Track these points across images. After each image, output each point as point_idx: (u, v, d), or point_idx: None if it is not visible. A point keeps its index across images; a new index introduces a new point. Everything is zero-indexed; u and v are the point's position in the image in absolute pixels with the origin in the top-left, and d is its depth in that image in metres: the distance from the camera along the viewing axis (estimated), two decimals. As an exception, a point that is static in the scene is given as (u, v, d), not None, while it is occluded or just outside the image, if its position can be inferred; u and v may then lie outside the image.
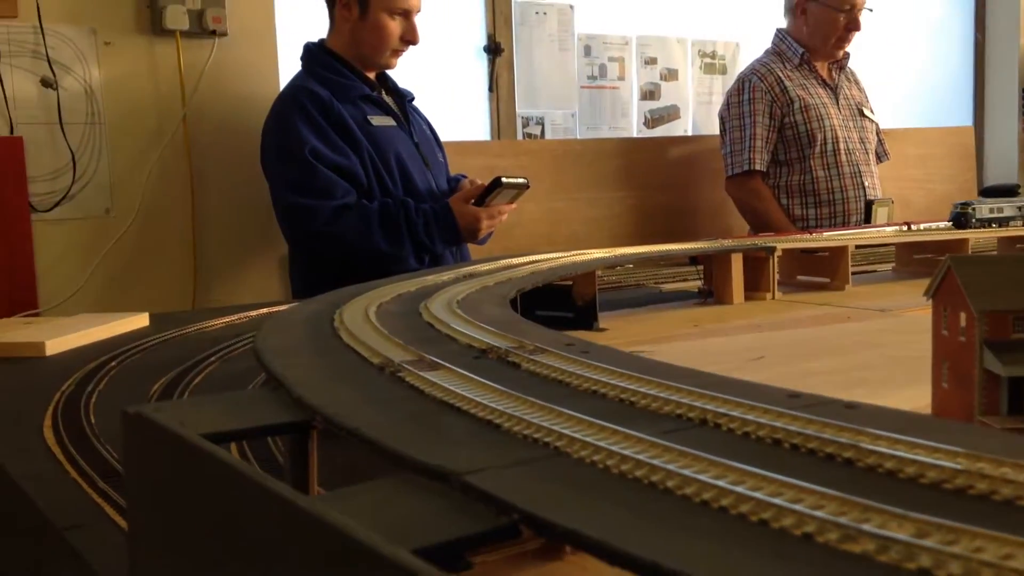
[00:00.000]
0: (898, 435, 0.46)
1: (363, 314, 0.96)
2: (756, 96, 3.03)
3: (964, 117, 4.18)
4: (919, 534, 0.35)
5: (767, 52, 3.18)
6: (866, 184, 3.09)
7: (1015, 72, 3.95)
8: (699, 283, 2.00)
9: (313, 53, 2.27)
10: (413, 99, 2.42)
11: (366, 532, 0.37)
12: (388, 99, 2.33)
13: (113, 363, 1.35)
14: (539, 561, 0.66)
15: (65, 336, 1.49)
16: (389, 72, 2.36)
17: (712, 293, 1.90)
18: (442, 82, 3.13)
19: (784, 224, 2.96)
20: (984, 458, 0.42)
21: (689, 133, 3.64)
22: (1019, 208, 2.16)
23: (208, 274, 2.53)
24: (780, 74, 3.08)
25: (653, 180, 3.32)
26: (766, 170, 3.06)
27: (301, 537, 0.41)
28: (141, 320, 1.71)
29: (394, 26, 2.21)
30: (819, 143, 3.03)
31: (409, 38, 2.24)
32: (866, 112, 3.22)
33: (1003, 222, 2.13)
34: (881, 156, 3.32)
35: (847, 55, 3.21)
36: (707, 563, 0.35)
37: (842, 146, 3.08)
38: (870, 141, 3.20)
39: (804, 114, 3.03)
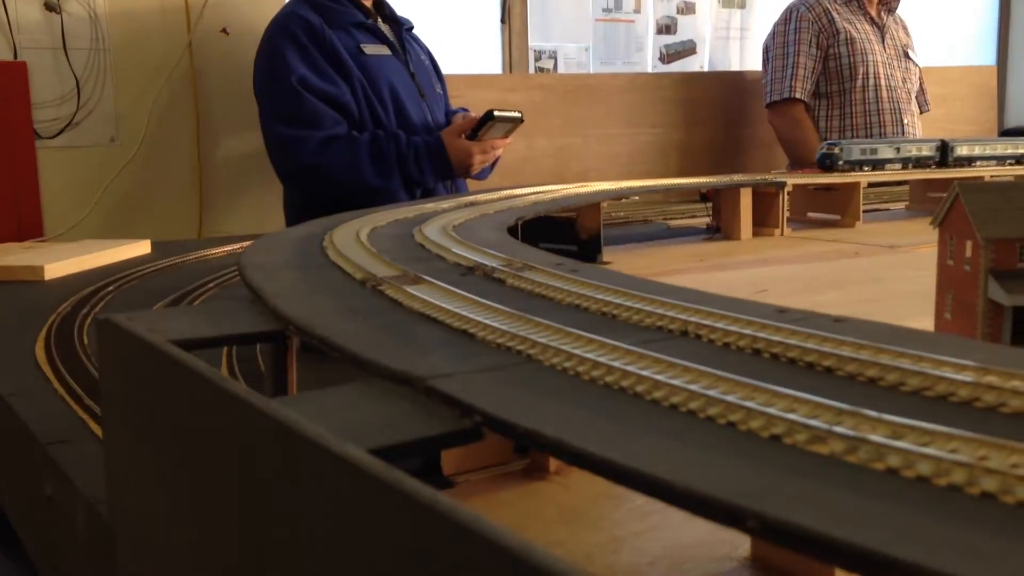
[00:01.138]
0: (885, 345, 0.45)
1: (354, 236, 0.94)
2: (802, 26, 3.02)
3: (987, 56, 4.07)
4: (892, 436, 0.34)
5: None
6: (905, 122, 3.09)
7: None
8: (708, 220, 1.97)
9: (306, -23, 2.21)
10: (411, 28, 2.36)
11: (316, 430, 0.35)
12: (384, 27, 2.26)
13: (111, 287, 1.35)
14: (523, 480, 0.66)
15: (64, 261, 1.49)
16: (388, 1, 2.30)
17: (720, 229, 1.87)
18: (454, 13, 3.07)
19: None
20: (993, 370, 0.40)
21: (706, 69, 3.57)
22: (896, 149, 1.98)
23: (213, 204, 2.52)
24: (828, 6, 3.06)
25: (668, 117, 3.26)
26: (807, 102, 3.04)
27: (257, 437, 0.40)
28: (143, 247, 1.70)
29: None
30: (860, 76, 3.02)
31: None
32: (911, 55, 3.20)
33: (877, 164, 1.96)
34: (922, 105, 3.31)
35: None
36: (665, 462, 0.33)
37: (883, 83, 3.06)
38: (912, 83, 3.20)
39: (849, 47, 3.02)
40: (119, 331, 0.56)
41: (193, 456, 0.46)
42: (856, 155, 1.92)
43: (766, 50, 3.12)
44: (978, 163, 2.07)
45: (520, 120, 2.08)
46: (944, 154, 2.02)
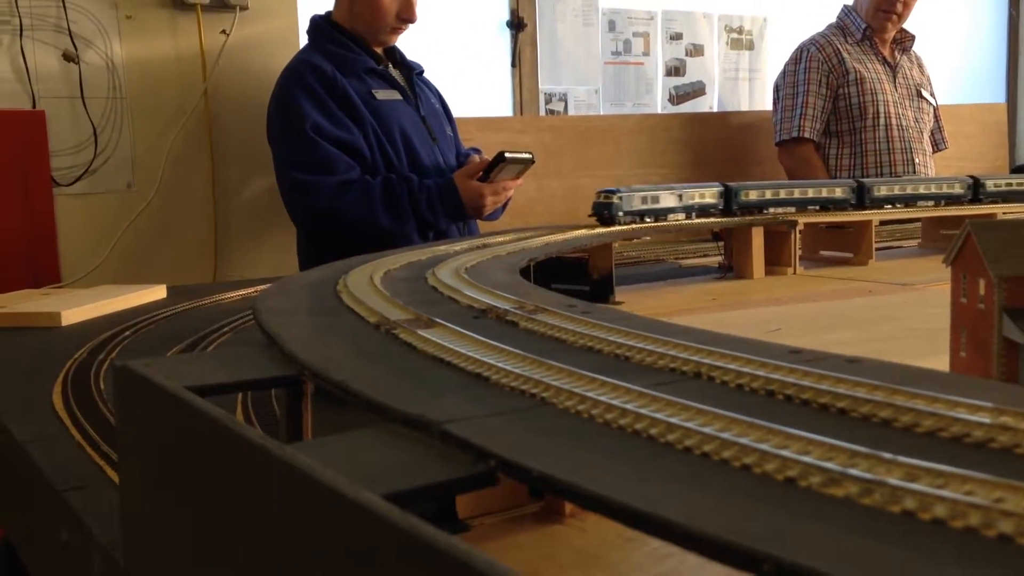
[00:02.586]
0: (899, 386, 0.45)
1: (368, 279, 0.95)
2: (812, 65, 3.05)
3: (997, 94, 4.09)
4: (907, 478, 0.34)
5: (830, 26, 3.20)
6: (916, 161, 3.10)
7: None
8: (720, 259, 1.98)
9: (319, 26, 2.25)
10: (422, 72, 2.39)
11: (332, 475, 0.36)
12: (395, 72, 2.30)
13: (127, 332, 1.36)
14: (538, 524, 0.66)
15: (81, 307, 1.50)
16: (398, 45, 2.34)
17: (732, 268, 1.87)
18: (465, 57, 3.11)
19: None
20: (1008, 411, 0.40)
21: (715, 110, 3.59)
22: (679, 196, 1.76)
23: (228, 249, 2.54)
24: (839, 46, 3.09)
25: (678, 157, 3.28)
26: (817, 141, 3.07)
27: (273, 484, 0.40)
28: (158, 292, 1.72)
29: (389, 3, 2.18)
30: (870, 116, 3.05)
31: (406, 16, 2.21)
32: (924, 94, 3.21)
33: (660, 215, 1.73)
34: (939, 143, 3.33)
35: (912, 37, 3.23)
36: (680, 506, 0.33)
37: (894, 122, 3.08)
38: (925, 123, 3.21)
39: (859, 86, 3.05)
40: (136, 378, 0.56)
41: (209, 502, 0.46)
42: (636, 204, 1.69)
43: (776, 89, 3.16)
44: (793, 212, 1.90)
45: (531, 161, 2.10)
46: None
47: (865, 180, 1.99)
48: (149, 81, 2.45)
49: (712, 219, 1.83)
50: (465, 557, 0.28)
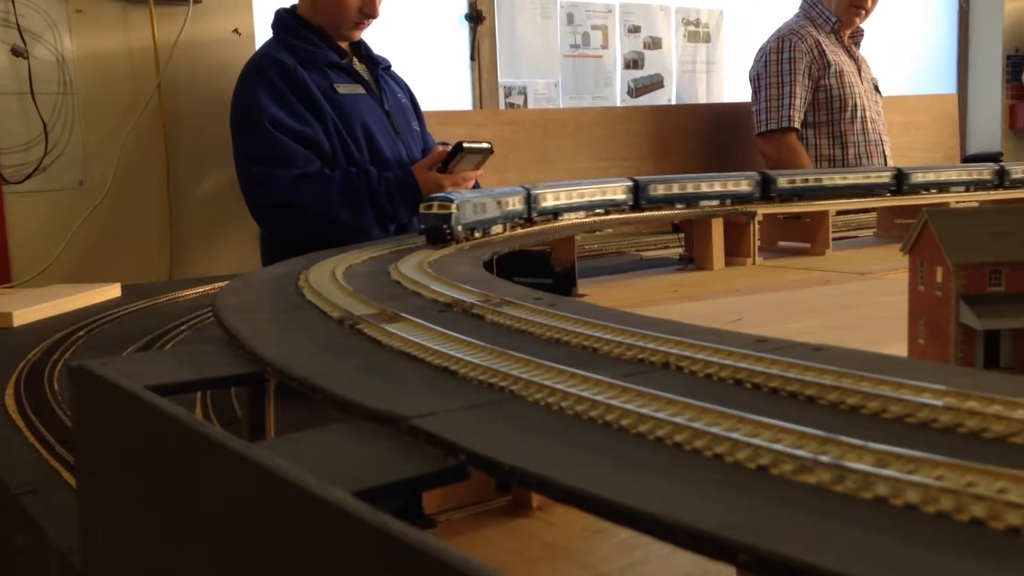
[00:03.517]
0: (866, 373, 0.45)
1: (330, 274, 0.93)
2: (796, 56, 3.03)
3: (948, 85, 4.16)
4: (878, 464, 0.34)
5: (798, 16, 3.18)
6: (886, 153, 3.13)
7: (999, 39, 3.93)
8: (680, 250, 1.99)
9: (282, 19, 2.23)
10: (388, 67, 2.38)
11: (298, 473, 0.35)
12: (359, 67, 2.28)
13: (81, 332, 1.33)
14: (506, 518, 0.65)
15: (33, 307, 1.46)
16: (364, 39, 2.32)
17: (693, 260, 1.88)
18: (424, 51, 3.09)
19: None
20: (974, 396, 0.40)
21: (673, 102, 3.61)
22: (498, 203, 1.46)
23: (184, 246, 2.50)
24: (818, 37, 3.10)
25: (638, 150, 3.29)
26: (799, 130, 3.07)
27: (238, 482, 0.39)
28: (113, 291, 1.68)
29: None
30: (849, 108, 3.07)
31: (368, 11, 2.20)
32: (879, 88, 3.26)
33: (485, 226, 1.42)
34: None
35: (863, 32, 3.24)
36: (654, 497, 0.33)
37: (867, 115, 3.11)
38: (882, 116, 3.24)
39: (839, 79, 3.06)
40: (93, 377, 0.55)
41: (171, 503, 0.45)
42: (470, 216, 1.36)
43: (756, 79, 3.12)
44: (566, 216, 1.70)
45: (490, 151, 2.09)
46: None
47: (770, 172, 1.95)
48: (101, 76, 2.39)
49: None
50: (438, 553, 0.27)
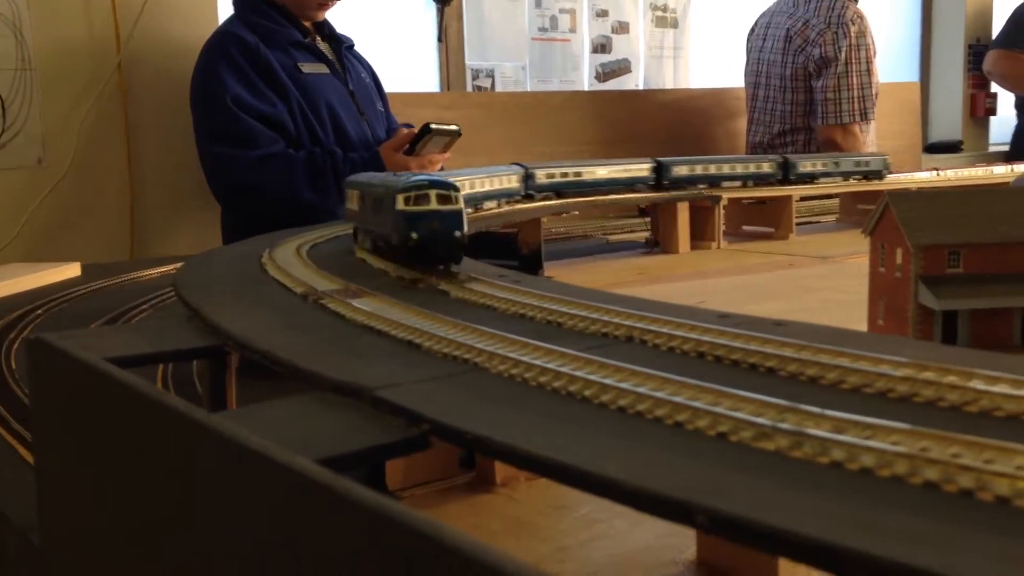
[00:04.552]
0: (825, 345, 0.46)
1: (294, 251, 0.93)
2: (871, 41, 2.84)
3: (911, 73, 4.21)
4: (834, 430, 0.34)
5: None
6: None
7: (961, 28, 3.99)
8: (647, 234, 2.00)
9: (245, -4, 2.20)
10: (352, 46, 2.35)
11: (260, 442, 0.35)
12: (323, 45, 2.25)
13: (39, 311, 1.31)
14: (469, 494, 0.65)
15: (-9, 284, 1.44)
16: (328, 18, 2.29)
17: (658, 243, 1.89)
18: (391, 32, 3.06)
19: None
20: (930, 367, 0.41)
21: (641, 87, 3.62)
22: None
23: (146, 226, 2.46)
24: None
25: (605, 134, 3.29)
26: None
27: (200, 452, 0.39)
28: (72, 270, 1.66)
29: None
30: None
31: None
32: None
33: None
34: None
35: None
36: (615, 463, 0.33)
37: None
38: None
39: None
40: (51, 350, 0.54)
41: (132, 474, 0.44)
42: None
43: (828, 63, 2.82)
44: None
45: (458, 133, 2.08)
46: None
47: (662, 159, 1.86)
48: (60, 52, 2.34)
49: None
50: (402, 518, 0.28)
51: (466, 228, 0.76)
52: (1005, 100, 3.86)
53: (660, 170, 1.85)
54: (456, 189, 0.77)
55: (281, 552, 0.32)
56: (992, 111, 3.97)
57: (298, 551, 0.31)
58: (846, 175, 2.05)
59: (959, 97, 4.04)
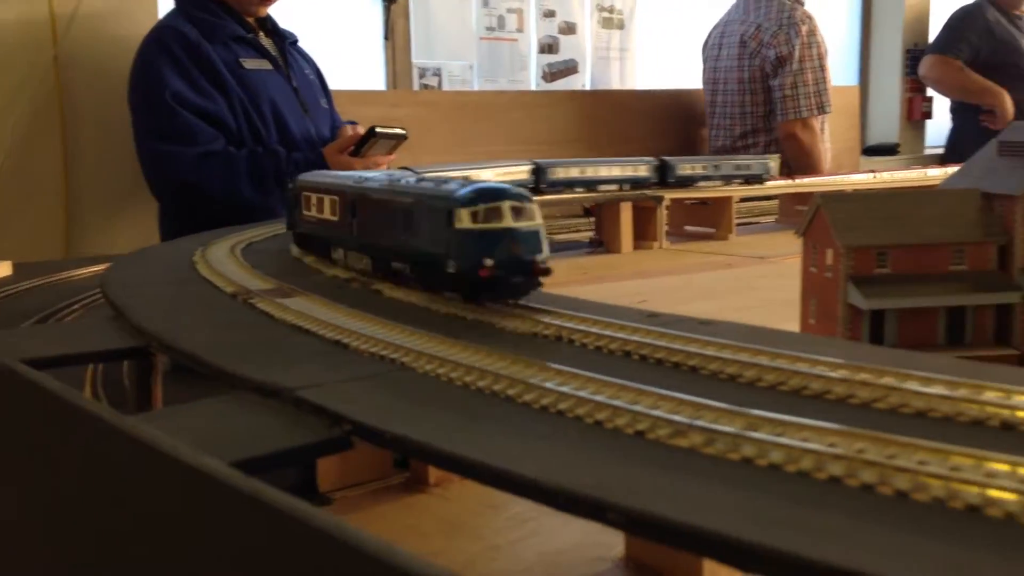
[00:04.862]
0: (748, 344, 0.46)
1: (228, 251, 0.91)
2: (821, 39, 2.95)
3: (851, 77, 4.30)
4: (748, 427, 0.35)
5: None
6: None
7: (899, 34, 4.08)
8: (591, 234, 2.01)
9: (185, -11, 2.15)
10: (295, 41, 2.32)
11: (171, 443, 0.34)
12: (266, 41, 2.22)
13: (-34, 311, 1.27)
14: (403, 494, 0.65)
15: (-85, 283, 1.39)
16: (271, 13, 2.26)
17: (602, 243, 1.91)
18: (337, 29, 3.03)
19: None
20: (865, 368, 0.42)
21: (588, 88, 3.64)
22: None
23: (82, 224, 2.40)
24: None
25: (553, 135, 3.30)
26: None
27: (113, 453, 0.38)
28: (3, 268, 1.61)
29: None
30: None
31: None
32: None
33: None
34: None
35: None
36: (534, 461, 0.33)
37: None
38: None
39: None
40: (-34, 351, 0.52)
41: (46, 476, 0.43)
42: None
43: (783, 61, 2.94)
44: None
45: (404, 137, 2.07)
46: None
47: (540, 161, 1.84)
48: (-8, 45, 2.28)
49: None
50: (308, 519, 0.27)
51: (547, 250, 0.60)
52: (941, 104, 3.96)
53: (538, 173, 1.82)
54: (531, 199, 0.62)
55: (190, 551, 0.31)
56: (928, 115, 4.07)
57: (206, 551, 0.30)
58: (727, 178, 2.04)
59: (896, 101, 4.13)
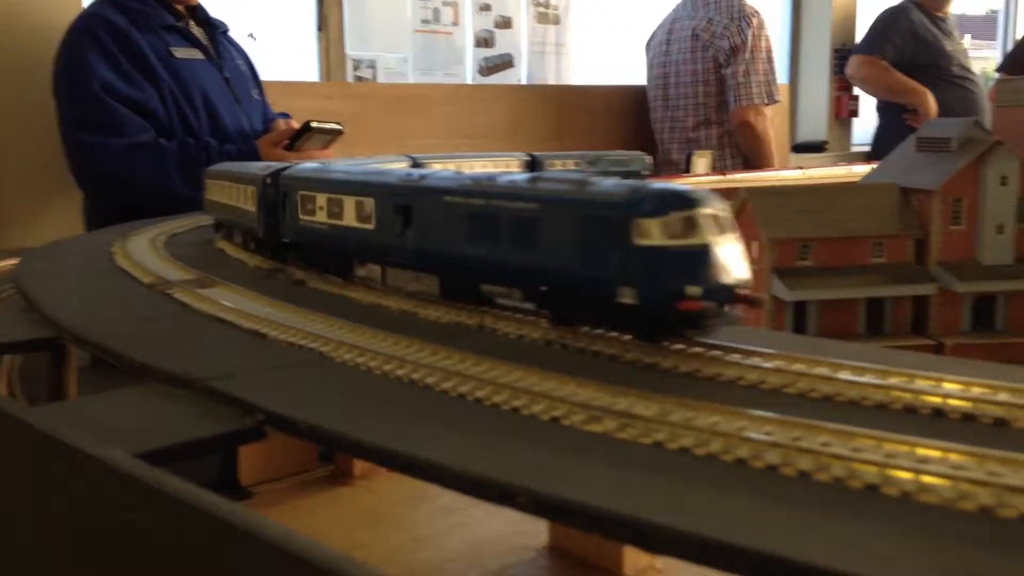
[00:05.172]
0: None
1: (148, 242, 0.89)
2: (767, 33, 3.04)
3: (781, 76, 4.38)
4: (661, 413, 0.35)
5: None
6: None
7: (828, 34, 4.17)
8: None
9: (114, -24, 2.09)
10: (227, 31, 2.27)
11: (74, 435, 0.33)
12: (197, 30, 2.17)
13: None
14: (327, 487, 0.64)
15: None
16: (202, 1, 2.21)
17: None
18: (270, 19, 2.98)
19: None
20: (801, 359, 0.42)
21: (523, 82, 3.64)
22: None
23: (4, 215, 2.32)
24: None
25: (489, 129, 3.30)
26: None
27: (14, 443, 0.37)
28: (-84, 261, 1.55)
29: None
30: None
31: None
32: None
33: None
34: None
35: None
36: (446, 448, 0.33)
37: None
38: None
39: None
40: None
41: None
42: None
43: (736, 50, 3.02)
44: None
45: (339, 132, 2.04)
46: None
47: (418, 157, 1.76)
48: (-96, 29, 2.19)
49: None
50: (211, 509, 0.27)
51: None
52: (866, 102, 4.06)
53: (415, 168, 1.82)
54: (726, 204, 0.50)
55: (91, 540, 0.30)
56: (855, 113, 4.17)
57: (108, 539, 0.29)
58: (601, 175, 2.01)
59: (825, 100, 4.22)
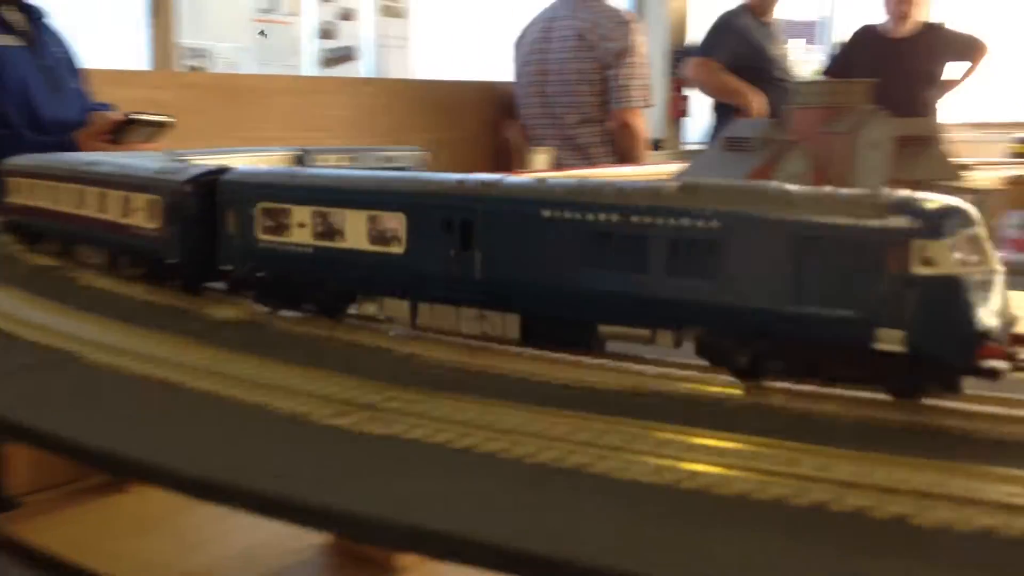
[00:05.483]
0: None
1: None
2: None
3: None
4: (405, 404, 0.35)
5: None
6: None
7: (664, 35, 4.32)
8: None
9: (-78, -41, 1.93)
10: (42, 17, 2.14)
11: None
12: (13, 15, 2.03)
13: None
14: (101, 495, 0.61)
15: None
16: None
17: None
18: (95, 3, 2.82)
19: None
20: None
21: (366, 75, 3.60)
22: None
23: None
24: None
25: (330, 122, 3.24)
26: None
27: None
28: None
29: None
30: None
31: None
32: None
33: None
34: None
35: None
36: (180, 450, 0.32)
37: None
38: None
39: None
40: None
41: None
42: None
43: (622, 53, 3.07)
44: None
45: (164, 124, 1.96)
46: None
47: (182, 151, 1.78)
48: None
49: None
50: None
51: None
52: (698, 102, 4.24)
53: None
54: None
55: None
56: (685, 113, 4.36)
57: None
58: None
59: (662, 99, 4.38)
